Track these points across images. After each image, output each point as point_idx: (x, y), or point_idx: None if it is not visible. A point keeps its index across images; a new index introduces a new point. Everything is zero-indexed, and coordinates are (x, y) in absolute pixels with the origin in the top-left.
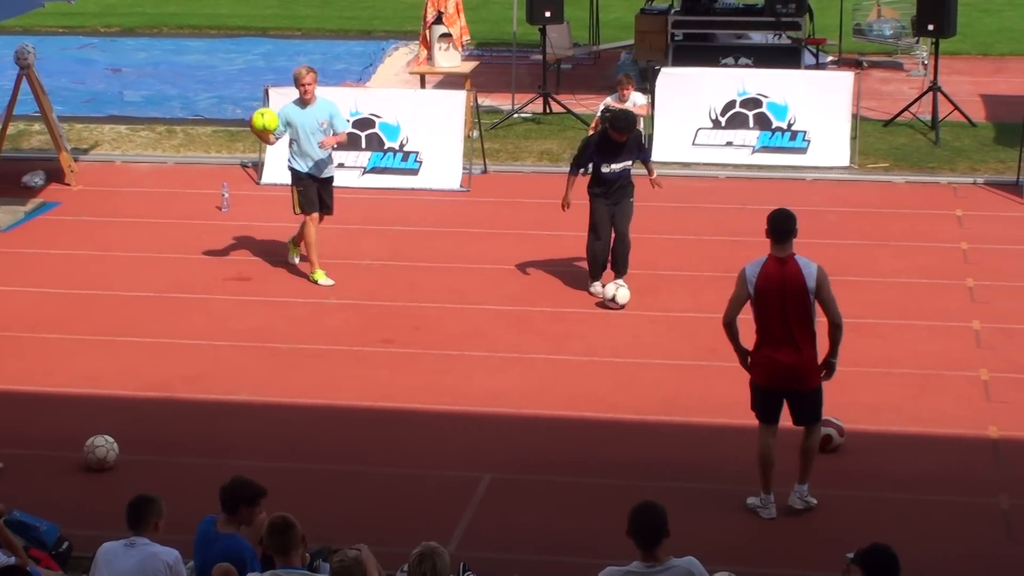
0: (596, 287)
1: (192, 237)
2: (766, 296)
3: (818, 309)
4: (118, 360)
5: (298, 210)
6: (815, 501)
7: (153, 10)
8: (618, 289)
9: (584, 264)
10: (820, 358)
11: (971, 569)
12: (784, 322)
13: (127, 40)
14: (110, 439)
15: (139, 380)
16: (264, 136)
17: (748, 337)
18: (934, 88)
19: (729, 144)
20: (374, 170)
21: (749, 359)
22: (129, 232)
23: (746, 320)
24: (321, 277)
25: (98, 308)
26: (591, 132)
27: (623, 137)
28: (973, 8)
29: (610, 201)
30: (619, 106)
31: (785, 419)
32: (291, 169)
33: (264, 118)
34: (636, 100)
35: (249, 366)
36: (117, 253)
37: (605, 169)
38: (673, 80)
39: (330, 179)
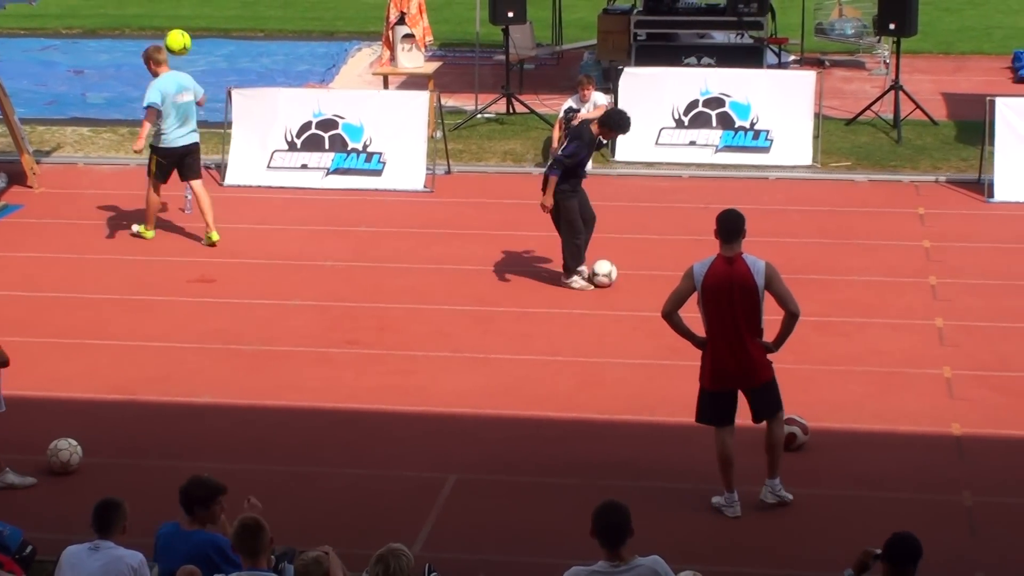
0: (579, 280)
1: (155, 239)
2: (715, 295)
3: (771, 307)
4: (81, 363)
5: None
6: (790, 496)
7: (115, 11)
8: (612, 267)
9: (548, 265)
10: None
11: (935, 565)
12: (733, 321)
13: (89, 42)
14: (73, 442)
15: (102, 383)
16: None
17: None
18: (896, 87)
19: (692, 143)
20: (338, 171)
21: (700, 357)
22: (92, 235)
23: (693, 319)
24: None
25: (61, 311)
26: (557, 134)
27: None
28: (934, 7)
29: (577, 196)
30: (580, 107)
31: (745, 418)
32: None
33: (183, 38)
34: (597, 100)
35: (212, 368)
36: (80, 256)
37: (584, 168)
38: (636, 80)
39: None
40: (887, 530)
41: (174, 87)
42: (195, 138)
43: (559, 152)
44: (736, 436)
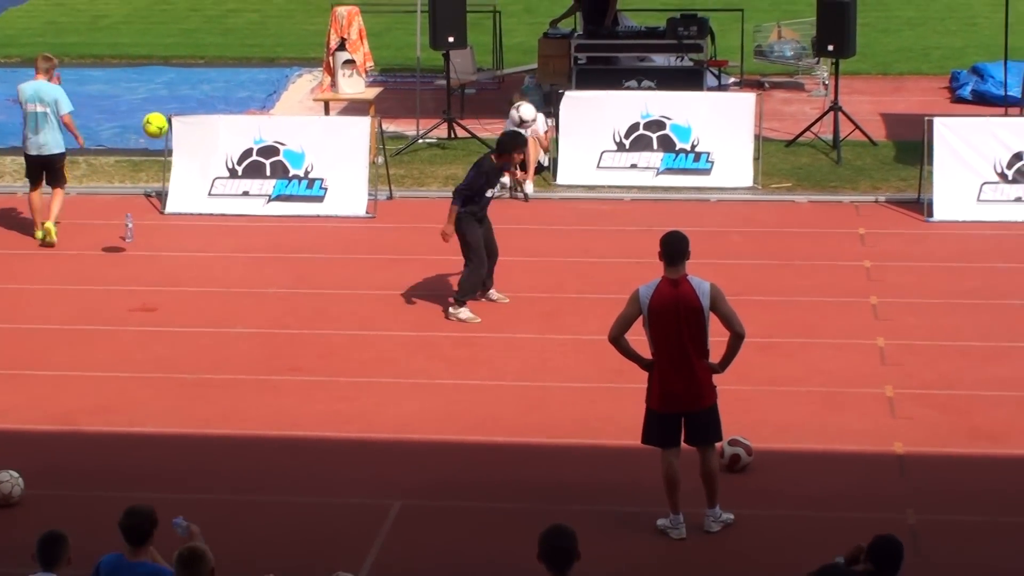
0: (465, 312)
1: (96, 268)
2: (661, 317)
3: (715, 328)
4: (22, 393)
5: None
6: (732, 517)
7: (54, 40)
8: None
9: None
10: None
11: None
12: (680, 343)
13: (28, 71)
14: (15, 474)
15: (43, 413)
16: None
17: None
18: (835, 108)
19: (633, 166)
20: (279, 198)
21: (648, 379)
22: (32, 264)
23: (638, 342)
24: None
25: (1, 341)
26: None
27: (521, 157)
28: (872, 28)
29: (482, 223)
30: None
31: None
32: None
33: (154, 123)
34: (540, 127)
35: (155, 397)
36: (20, 285)
37: (489, 193)
38: (577, 103)
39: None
40: (832, 549)
41: (27, 94)
42: (50, 150)
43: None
44: (682, 458)
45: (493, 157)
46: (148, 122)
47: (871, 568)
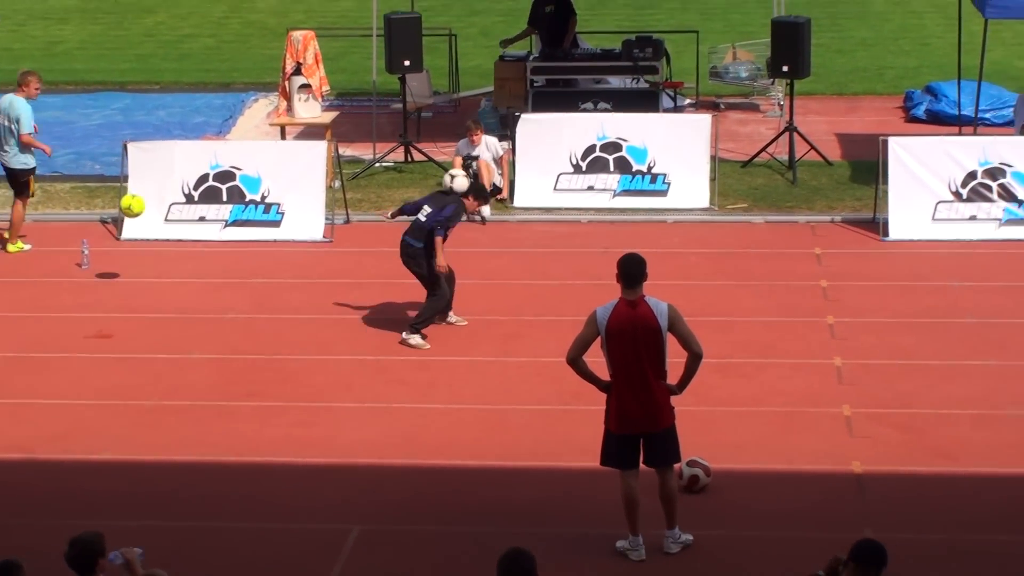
0: (417, 338)
1: (52, 295)
2: (619, 339)
3: (674, 349)
4: None
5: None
6: (691, 538)
7: (8, 66)
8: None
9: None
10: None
11: None
12: (638, 363)
13: None
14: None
15: None
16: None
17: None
18: (790, 128)
19: (590, 188)
20: (236, 222)
21: (606, 401)
22: None
23: (596, 364)
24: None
25: None
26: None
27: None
28: (826, 49)
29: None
30: (474, 151)
31: None
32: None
33: (134, 206)
34: (497, 150)
35: (112, 424)
36: None
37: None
38: (533, 126)
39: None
40: (791, 570)
41: (2, 107)
42: (11, 164)
43: (440, 215)
44: (641, 479)
45: (467, 200)
46: (129, 208)
47: (857, 571)
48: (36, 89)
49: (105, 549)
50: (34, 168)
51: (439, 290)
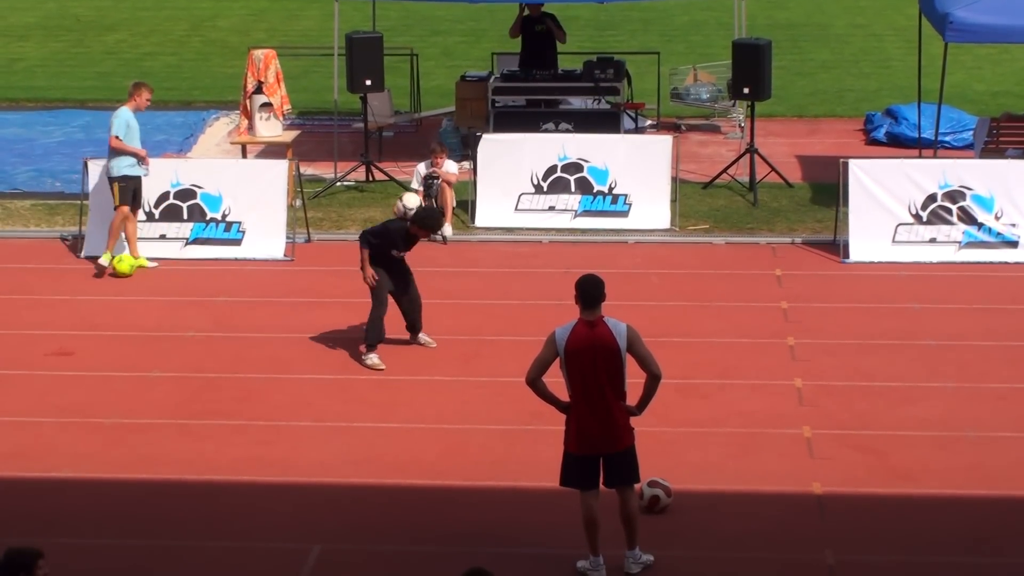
0: (372, 358)
1: (12, 312)
2: (578, 359)
3: (634, 370)
4: None
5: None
6: (651, 558)
7: None
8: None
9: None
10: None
11: None
12: (597, 384)
13: None
14: None
15: None
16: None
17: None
18: (751, 150)
19: (551, 209)
20: (196, 241)
21: (565, 422)
22: None
23: (555, 384)
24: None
25: None
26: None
27: (428, 235)
28: (787, 71)
29: (392, 271)
30: (432, 172)
31: None
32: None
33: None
34: (449, 169)
35: (71, 442)
36: None
37: (396, 253)
38: (494, 146)
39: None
40: None
41: None
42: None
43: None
44: (602, 500)
45: (410, 227)
46: (120, 264)
47: None
48: (146, 100)
49: (34, 567)
50: (129, 176)
51: (372, 305)
